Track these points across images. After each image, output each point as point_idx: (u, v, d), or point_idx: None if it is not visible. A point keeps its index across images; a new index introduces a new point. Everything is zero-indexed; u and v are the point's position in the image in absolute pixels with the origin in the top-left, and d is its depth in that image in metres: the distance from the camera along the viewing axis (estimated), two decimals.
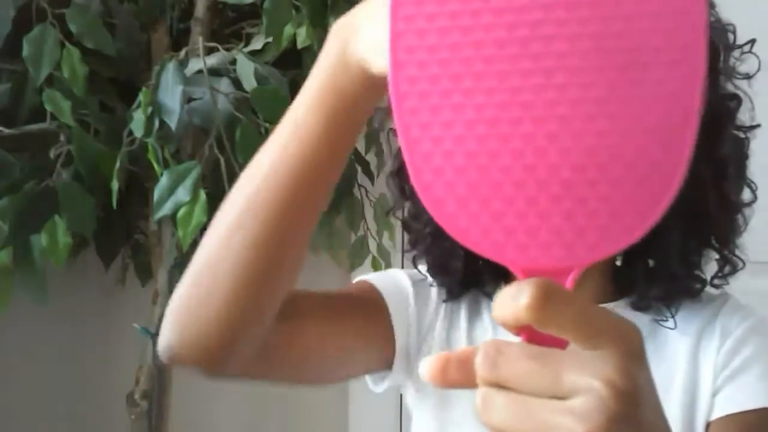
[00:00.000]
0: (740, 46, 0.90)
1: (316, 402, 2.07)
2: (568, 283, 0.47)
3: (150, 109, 1.34)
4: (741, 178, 0.90)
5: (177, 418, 1.61)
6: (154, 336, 1.47)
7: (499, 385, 0.44)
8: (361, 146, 1.74)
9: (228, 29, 1.65)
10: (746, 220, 0.91)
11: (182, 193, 1.32)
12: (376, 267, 1.80)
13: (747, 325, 0.90)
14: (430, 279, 0.98)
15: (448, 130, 0.48)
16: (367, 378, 0.99)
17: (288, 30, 1.51)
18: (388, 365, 0.95)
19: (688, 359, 0.90)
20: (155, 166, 1.36)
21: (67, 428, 1.69)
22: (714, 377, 0.88)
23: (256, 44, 1.54)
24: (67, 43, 1.35)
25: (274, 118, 1.36)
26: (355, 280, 0.99)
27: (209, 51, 1.44)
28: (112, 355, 1.74)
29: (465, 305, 0.99)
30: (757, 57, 0.90)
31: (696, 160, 0.46)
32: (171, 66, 1.35)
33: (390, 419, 2.09)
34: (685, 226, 0.86)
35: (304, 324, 0.83)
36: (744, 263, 0.92)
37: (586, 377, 0.42)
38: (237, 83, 1.43)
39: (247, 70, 1.42)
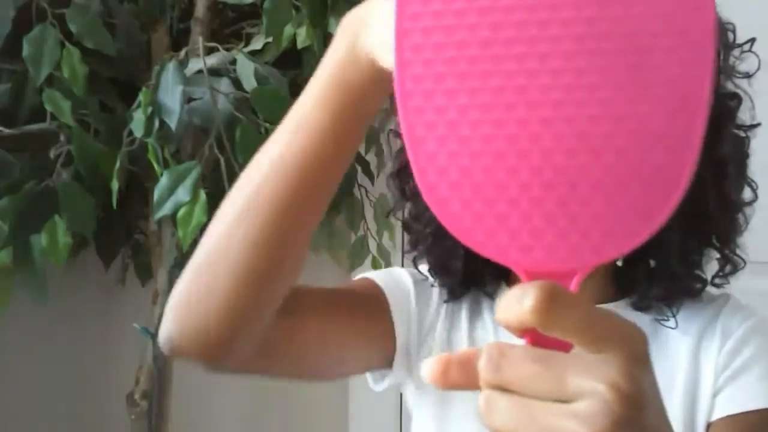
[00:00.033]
0: (740, 45, 0.89)
1: (316, 401, 2.07)
2: (573, 285, 0.47)
3: (150, 109, 1.34)
4: (741, 177, 0.90)
5: (177, 418, 1.61)
6: (154, 336, 1.47)
7: (503, 388, 0.44)
8: (361, 146, 1.73)
9: (228, 29, 1.65)
10: (747, 220, 0.91)
11: (182, 193, 1.32)
12: (376, 267, 1.80)
13: (748, 325, 0.90)
14: (431, 279, 0.98)
15: (453, 130, 0.47)
16: (368, 376, 0.99)
17: (288, 30, 1.51)
18: (388, 363, 0.95)
19: (689, 359, 0.90)
20: (155, 166, 1.36)
21: (67, 428, 1.69)
22: (715, 377, 0.88)
23: (256, 44, 1.54)
24: (67, 43, 1.35)
25: (274, 118, 1.37)
26: (356, 277, 0.99)
27: (209, 51, 1.44)
28: (112, 355, 1.74)
29: (466, 305, 0.99)
30: (757, 56, 0.90)
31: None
32: (171, 66, 1.35)
33: (390, 417, 2.09)
34: (686, 225, 0.86)
35: (304, 320, 0.83)
36: (745, 262, 0.92)
37: (590, 381, 0.42)
38: (237, 83, 1.43)
39: (247, 70, 1.42)
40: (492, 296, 0.99)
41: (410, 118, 0.48)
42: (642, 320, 0.92)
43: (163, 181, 1.32)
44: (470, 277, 0.96)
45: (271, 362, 0.83)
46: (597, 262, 0.46)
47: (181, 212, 1.31)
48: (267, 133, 1.37)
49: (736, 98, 0.89)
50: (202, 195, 1.31)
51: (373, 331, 0.93)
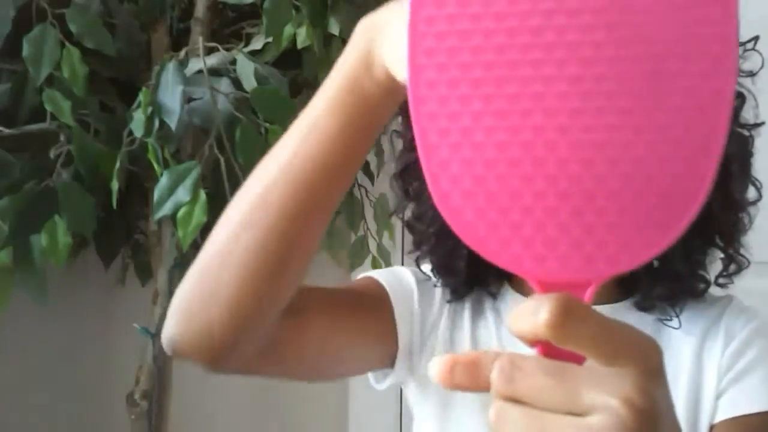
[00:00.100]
0: (743, 44, 0.89)
1: (316, 401, 2.07)
2: (587, 296, 0.46)
3: (150, 109, 1.34)
4: (745, 176, 0.90)
5: (177, 418, 1.60)
6: (154, 336, 1.47)
7: (515, 400, 0.43)
8: None
9: (228, 29, 1.65)
10: (751, 219, 0.91)
11: (182, 193, 1.32)
12: (376, 267, 1.80)
13: (752, 327, 0.90)
14: (434, 279, 0.98)
15: (467, 137, 0.46)
16: (370, 375, 0.99)
17: (288, 30, 1.51)
18: (390, 362, 0.95)
19: (692, 360, 0.90)
20: (155, 166, 1.36)
21: (67, 428, 1.69)
22: (718, 379, 0.88)
23: (256, 44, 1.54)
24: (67, 43, 1.35)
25: (274, 118, 1.37)
26: (360, 276, 0.98)
27: (209, 51, 1.44)
28: (112, 355, 1.74)
29: (468, 305, 0.99)
30: (761, 54, 0.90)
31: None
32: (171, 66, 1.35)
33: (390, 417, 2.09)
34: (689, 224, 0.85)
35: (308, 320, 0.83)
36: (749, 262, 0.92)
37: (603, 395, 0.41)
38: (237, 83, 1.43)
39: (247, 70, 1.42)
40: (495, 296, 0.99)
41: (423, 124, 0.47)
42: (645, 320, 0.92)
43: (163, 181, 1.32)
44: (473, 277, 0.95)
45: (274, 362, 0.83)
46: (612, 273, 0.46)
47: (181, 212, 1.31)
48: (267, 134, 1.38)
49: (740, 97, 0.89)
50: (202, 195, 1.31)
51: (376, 330, 0.93)
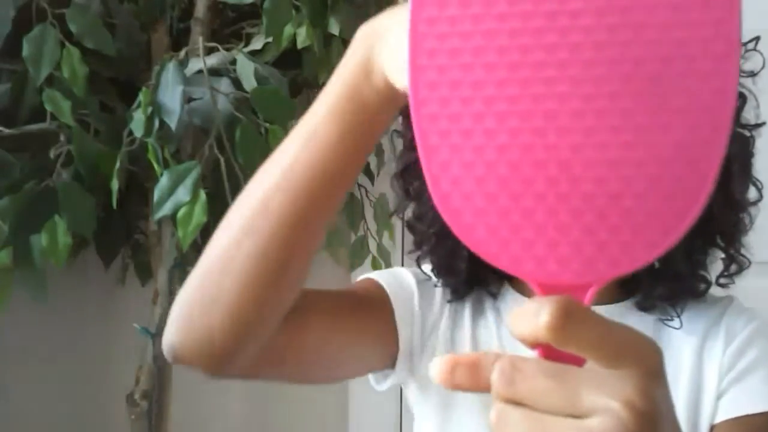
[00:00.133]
0: (744, 44, 0.89)
1: (316, 401, 2.07)
2: (587, 299, 0.46)
3: (150, 109, 1.34)
4: (746, 176, 0.90)
5: (177, 418, 1.60)
6: (154, 336, 1.48)
7: (515, 402, 0.43)
8: None
9: (228, 29, 1.65)
10: (752, 219, 0.91)
11: (182, 193, 1.32)
12: (376, 267, 1.80)
13: (753, 326, 0.90)
14: (434, 279, 0.98)
15: (468, 139, 0.46)
16: (370, 376, 0.99)
17: (288, 30, 1.51)
18: (391, 363, 0.95)
19: (693, 360, 0.90)
20: (155, 166, 1.36)
21: (67, 428, 1.69)
22: (719, 379, 0.88)
23: (256, 44, 1.54)
24: (67, 43, 1.35)
25: (274, 118, 1.37)
26: (360, 278, 0.98)
27: (209, 51, 1.44)
28: (112, 355, 1.74)
29: (469, 305, 0.99)
30: (762, 54, 0.90)
31: None
32: (171, 66, 1.35)
33: (390, 417, 2.09)
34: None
35: (308, 323, 0.82)
36: (750, 262, 0.92)
37: (604, 397, 0.41)
38: (237, 83, 1.43)
39: (247, 70, 1.42)
40: (495, 296, 0.99)
41: (424, 125, 0.47)
42: (646, 320, 0.92)
43: (163, 181, 1.32)
44: (474, 277, 0.95)
45: (275, 367, 0.82)
46: (613, 275, 0.46)
47: (181, 212, 1.31)
48: (267, 133, 1.38)
49: (741, 97, 0.89)
50: (202, 195, 1.31)
51: (376, 332, 0.93)
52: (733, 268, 0.92)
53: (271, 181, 0.72)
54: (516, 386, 0.43)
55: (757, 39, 0.89)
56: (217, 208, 1.31)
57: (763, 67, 0.90)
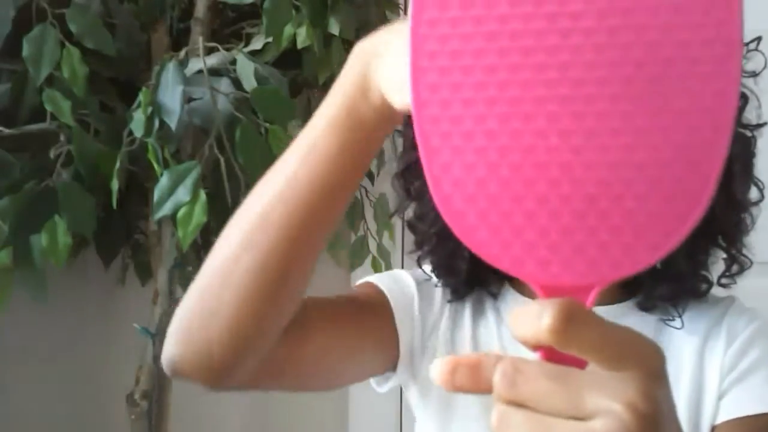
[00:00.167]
0: (746, 44, 0.89)
1: (316, 402, 2.07)
2: (589, 300, 0.46)
3: (150, 109, 1.33)
4: (748, 176, 0.90)
5: (177, 418, 1.60)
6: (154, 336, 1.47)
7: (517, 404, 0.43)
8: None
9: (228, 29, 1.65)
10: (753, 219, 0.91)
11: (182, 193, 1.32)
12: (376, 267, 1.80)
13: (754, 326, 0.90)
14: (434, 279, 0.98)
15: (469, 141, 0.46)
16: (371, 379, 0.99)
17: (288, 30, 1.51)
18: (392, 367, 0.95)
19: (694, 360, 0.90)
20: (155, 166, 1.36)
21: (67, 428, 1.69)
22: (720, 379, 0.88)
23: (256, 44, 1.54)
24: (67, 43, 1.35)
25: (274, 118, 1.37)
26: (358, 282, 0.98)
27: (209, 51, 1.44)
28: (112, 355, 1.74)
29: (469, 305, 0.99)
30: (763, 55, 0.90)
31: None
32: (171, 66, 1.35)
33: (390, 417, 2.09)
34: None
35: (307, 333, 0.82)
36: (751, 262, 0.92)
37: (606, 399, 0.41)
38: (237, 83, 1.43)
39: (247, 70, 1.41)
40: (495, 296, 0.99)
41: (425, 127, 0.47)
42: (647, 320, 0.92)
43: (163, 181, 1.32)
44: (474, 277, 0.95)
45: (275, 379, 0.82)
46: (615, 277, 0.45)
47: (181, 212, 1.31)
48: (267, 134, 1.38)
49: (743, 98, 0.89)
50: (202, 195, 1.31)
51: (377, 337, 0.92)
52: (735, 268, 0.92)
53: (271, 193, 0.72)
54: (518, 388, 0.43)
55: (758, 39, 0.90)
56: (217, 208, 1.31)
57: (764, 67, 0.90)
